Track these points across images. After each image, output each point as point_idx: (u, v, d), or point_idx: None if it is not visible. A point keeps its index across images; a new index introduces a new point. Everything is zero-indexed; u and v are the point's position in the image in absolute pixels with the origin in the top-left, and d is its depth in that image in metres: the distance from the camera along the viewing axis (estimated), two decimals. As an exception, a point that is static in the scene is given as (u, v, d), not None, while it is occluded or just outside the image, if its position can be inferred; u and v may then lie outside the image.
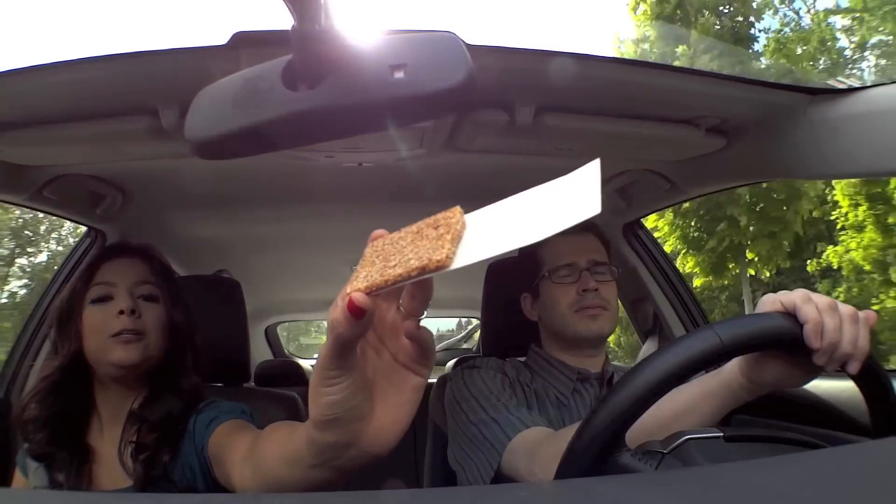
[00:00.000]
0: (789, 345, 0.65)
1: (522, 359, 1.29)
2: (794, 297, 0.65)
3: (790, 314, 0.65)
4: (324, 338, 0.64)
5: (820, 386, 1.46)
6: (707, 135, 1.26)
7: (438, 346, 4.25)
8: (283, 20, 0.46)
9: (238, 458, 0.82)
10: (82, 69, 0.94)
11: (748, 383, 0.70)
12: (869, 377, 0.68)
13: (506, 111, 1.14)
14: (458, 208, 0.48)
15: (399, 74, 0.46)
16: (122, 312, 1.00)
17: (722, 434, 0.63)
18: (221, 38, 0.88)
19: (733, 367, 0.73)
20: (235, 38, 0.87)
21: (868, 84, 1.01)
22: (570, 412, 1.16)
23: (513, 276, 1.34)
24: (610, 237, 1.33)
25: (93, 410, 1.04)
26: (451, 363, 3.18)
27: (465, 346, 4.05)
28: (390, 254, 0.45)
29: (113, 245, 1.12)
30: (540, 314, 1.26)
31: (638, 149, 1.37)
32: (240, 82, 0.51)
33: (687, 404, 0.73)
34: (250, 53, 0.89)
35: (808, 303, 0.64)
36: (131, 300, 1.02)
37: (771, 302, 0.67)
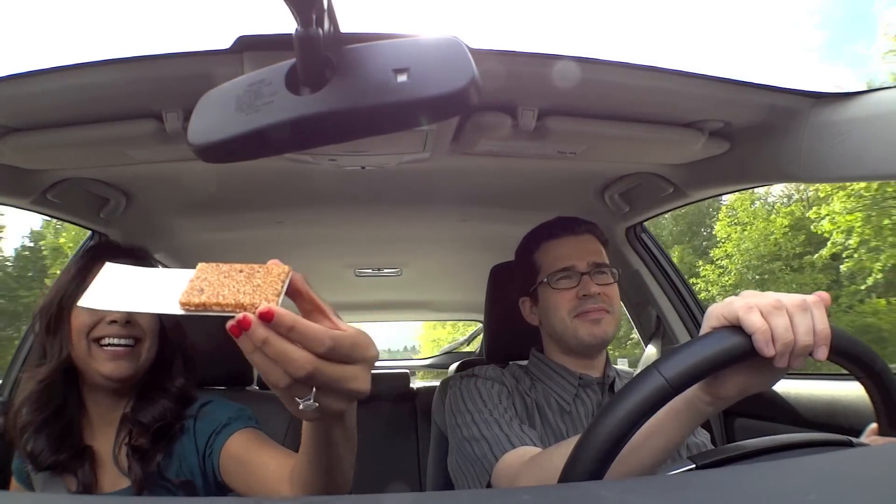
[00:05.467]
0: (742, 360, 0.62)
1: (524, 363, 1.29)
2: (736, 307, 0.62)
3: (736, 326, 0.62)
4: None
5: (823, 388, 1.46)
6: (710, 138, 1.25)
7: (440, 350, 4.26)
8: (286, 24, 0.47)
9: (274, 478, 0.85)
10: (86, 73, 0.95)
11: (711, 398, 0.68)
12: (876, 379, 0.68)
13: (509, 114, 1.15)
14: (287, 267, 0.55)
15: (402, 78, 0.46)
16: (114, 322, 0.99)
17: (694, 465, 0.63)
18: (225, 42, 0.88)
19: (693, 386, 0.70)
20: (239, 41, 0.88)
21: (871, 88, 1.01)
22: (573, 419, 1.15)
23: (516, 278, 1.34)
24: (609, 238, 1.32)
25: (82, 412, 1.04)
26: (453, 366, 3.18)
27: (466, 348, 4.04)
28: (223, 284, 0.53)
29: (105, 245, 1.09)
30: (540, 319, 1.25)
31: (641, 152, 1.37)
32: (243, 86, 0.51)
33: (654, 426, 0.69)
34: (254, 57, 0.89)
35: (750, 311, 0.61)
36: None
37: (715, 317, 0.64)
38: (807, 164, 1.11)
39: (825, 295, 0.65)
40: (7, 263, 21.20)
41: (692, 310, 1.88)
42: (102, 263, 0.80)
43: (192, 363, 1.12)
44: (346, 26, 0.51)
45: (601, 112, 1.17)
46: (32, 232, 22.00)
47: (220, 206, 1.73)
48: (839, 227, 18.16)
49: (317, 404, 0.52)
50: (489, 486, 1.00)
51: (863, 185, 16.51)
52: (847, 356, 0.67)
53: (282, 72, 0.50)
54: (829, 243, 18.91)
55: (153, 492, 0.97)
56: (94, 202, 1.54)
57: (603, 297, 1.16)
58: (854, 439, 0.71)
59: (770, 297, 0.63)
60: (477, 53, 0.48)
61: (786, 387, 1.56)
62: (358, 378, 0.53)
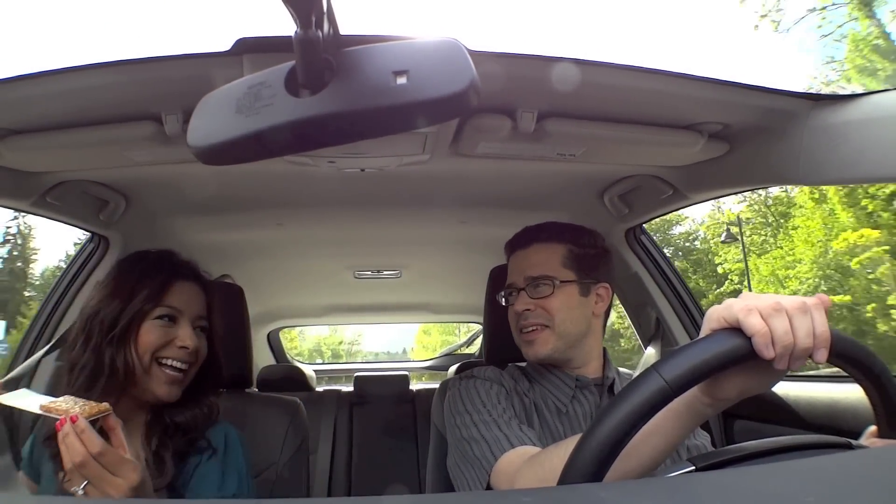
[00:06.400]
0: (742, 362, 0.62)
1: (523, 364, 1.29)
2: (736, 310, 0.62)
3: (736, 328, 0.61)
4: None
5: (822, 390, 1.46)
6: (709, 140, 1.26)
7: (440, 352, 4.26)
8: (286, 26, 0.47)
9: None
10: (86, 76, 0.95)
11: (710, 399, 0.68)
12: (875, 381, 0.68)
13: (508, 117, 1.15)
14: (107, 406, 0.87)
15: (402, 80, 0.46)
16: (184, 347, 1.04)
17: (694, 467, 0.63)
18: (225, 45, 0.88)
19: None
20: (238, 44, 0.88)
21: (870, 91, 1.01)
22: (570, 420, 1.15)
23: None
24: (607, 240, 1.29)
25: None
26: (452, 368, 3.18)
27: (465, 350, 4.04)
28: (68, 403, 0.86)
29: (184, 266, 1.13)
30: None
31: (640, 154, 1.37)
32: (243, 88, 0.51)
33: (653, 426, 0.67)
34: (253, 59, 0.89)
35: (750, 314, 0.61)
36: (195, 337, 1.06)
37: (715, 319, 0.64)
38: (805, 167, 1.11)
39: (825, 297, 0.65)
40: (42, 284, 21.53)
41: (691, 312, 1.88)
42: (179, 281, 1.08)
43: (221, 381, 1.18)
44: (345, 28, 0.51)
45: (600, 114, 1.17)
46: (67, 255, 22.46)
47: (219, 207, 1.73)
48: (732, 271, 22.01)
49: (82, 492, 0.81)
50: (488, 486, 0.99)
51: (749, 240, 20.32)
52: (846, 358, 0.67)
53: (281, 74, 0.50)
54: (726, 282, 22.42)
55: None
56: (93, 204, 1.54)
57: (539, 311, 1.17)
58: (853, 441, 0.71)
59: (770, 300, 0.63)
60: (476, 55, 0.48)
61: (785, 389, 1.56)
62: (117, 488, 0.81)
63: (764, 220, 20.76)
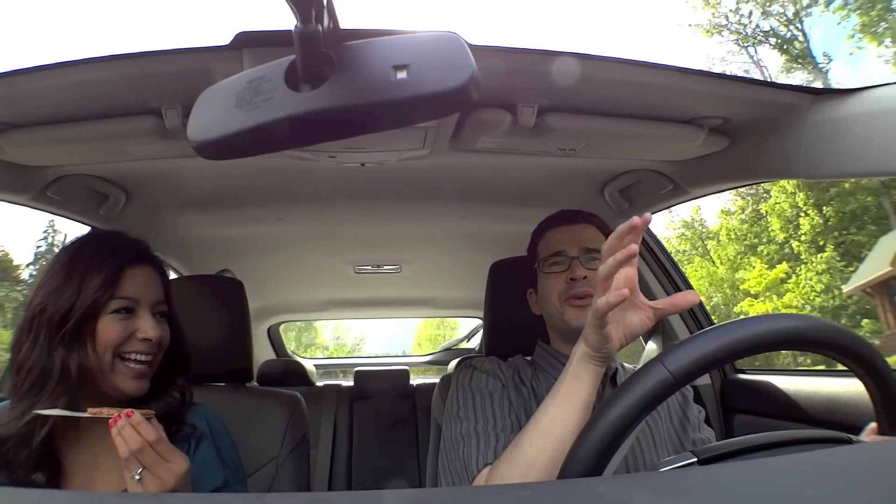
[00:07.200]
0: (746, 354, 0.66)
1: (529, 358, 1.29)
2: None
3: None
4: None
5: (823, 385, 1.46)
6: (710, 135, 1.25)
7: (440, 347, 4.26)
8: (285, 20, 0.47)
9: None
10: (86, 70, 0.95)
11: (600, 355, 0.86)
12: (876, 377, 0.68)
13: (509, 111, 1.14)
14: (150, 411, 0.91)
15: (402, 75, 0.46)
16: (147, 339, 0.97)
17: (695, 459, 0.64)
18: (224, 39, 0.88)
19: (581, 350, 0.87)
20: (238, 38, 0.88)
21: (871, 84, 1.01)
22: None
23: (516, 273, 1.34)
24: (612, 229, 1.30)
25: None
26: (453, 363, 3.19)
27: (466, 345, 4.04)
28: (113, 408, 0.89)
29: (133, 248, 1.04)
30: (540, 307, 1.26)
31: (640, 149, 1.37)
32: (243, 83, 0.51)
33: (563, 393, 0.87)
34: (253, 54, 0.89)
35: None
36: (156, 326, 0.99)
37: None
38: (806, 161, 1.11)
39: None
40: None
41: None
42: (132, 267, 0.99)
43: (188, 364, 1.12)
44: (345, 23, 0.51)
45: (601, 109, 1.17)
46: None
47: (219, 202, 1.73)
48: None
49: (138, 477, 0.85)
50: None
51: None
52: (848, 353, 0.67)
53: (281, 68, 0.49)
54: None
55: None
56: (93, 199, 1.54)
57: (591, 280, 1.16)
58: (853, 437, 0.72)
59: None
60: (476, 50, 0.48)
61: (786, 383, 1.56)
62: (171, 472, 0.87)
63: (696, 251, 21.84)
